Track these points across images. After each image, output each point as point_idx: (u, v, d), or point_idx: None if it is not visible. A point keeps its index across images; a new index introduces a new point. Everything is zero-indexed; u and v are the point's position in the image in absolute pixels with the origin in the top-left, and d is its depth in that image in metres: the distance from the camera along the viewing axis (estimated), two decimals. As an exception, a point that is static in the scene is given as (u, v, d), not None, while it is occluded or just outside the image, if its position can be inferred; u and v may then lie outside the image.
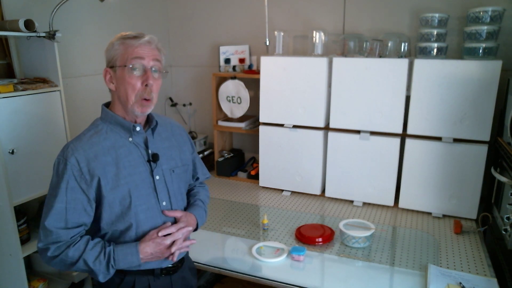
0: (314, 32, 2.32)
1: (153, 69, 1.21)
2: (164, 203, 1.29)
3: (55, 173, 1.17)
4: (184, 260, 1.38)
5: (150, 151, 1.27)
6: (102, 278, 1.17)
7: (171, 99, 3.00)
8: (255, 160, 2.86)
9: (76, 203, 1.16)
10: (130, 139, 1.25)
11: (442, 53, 2.06)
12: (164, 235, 1.23)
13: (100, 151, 1.19)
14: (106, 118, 1.25)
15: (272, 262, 1.65)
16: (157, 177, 1.27)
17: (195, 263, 1.65)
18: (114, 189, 1.19)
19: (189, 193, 1.47)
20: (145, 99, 1.21)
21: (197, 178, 1.51)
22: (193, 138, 2.78)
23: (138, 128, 1.25)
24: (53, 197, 1.15)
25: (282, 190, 2.46)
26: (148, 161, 1.27)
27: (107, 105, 1.30)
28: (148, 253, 1.20)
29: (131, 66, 1.17)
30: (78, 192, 1.16)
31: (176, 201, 1.33)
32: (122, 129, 1.24)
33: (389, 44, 2.15)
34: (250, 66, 2.69)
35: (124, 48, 1.19)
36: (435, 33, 2.04)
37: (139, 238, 1.23)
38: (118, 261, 1.18)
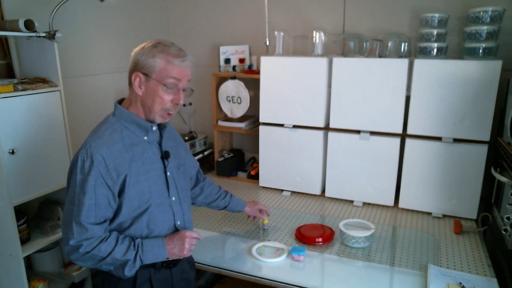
0: (314, 32, 2.32)
1: (184, 89, 1.27)
2: (173, 198, 1.35)
3: (79, 171, 1.18)
4: None
5: (162, 149, 1.34)
6: (128, 271, 1.21)
7: (171, 99, 3.00)
8: (255, 160, 2.85)
9: (103, 198, 1.19)
10: (145, 137, 1.29)
11: (442, 53, 2.06)
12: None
13: (122, 148, 1.23)
14: (121, 116, 1.28)
15: (272, 262, 1.65)
16: (169, 174, 1.34)
17: (195, 263, 1.65)
18: (135, 184, 1.24)
19: (215, 194, 1.73)
20: (169, 113, 1.28)
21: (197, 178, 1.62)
22: (193, 138, 2.78)
23: (154, 128, 1.31)
24: (82, 194, 1.16)
25: (282, 190, 2.46)
26: (162, 158, 1.33)
27: (119, 101, 1.33)
28: (173, 254, 1.30)
29: (168, 86, 1.22)
30: (105, 187, 1.19)
31: (183, 196, 1.40)
32: (137, 128, 1.28)
33: (389, 44, 2.14)
34: (250, 66, 2.69)
35: (165, 63, 1.22)
36: (435, 33, 2.04)
37: (150, 231, 1.29)
38: (146, 252, 1.23)
